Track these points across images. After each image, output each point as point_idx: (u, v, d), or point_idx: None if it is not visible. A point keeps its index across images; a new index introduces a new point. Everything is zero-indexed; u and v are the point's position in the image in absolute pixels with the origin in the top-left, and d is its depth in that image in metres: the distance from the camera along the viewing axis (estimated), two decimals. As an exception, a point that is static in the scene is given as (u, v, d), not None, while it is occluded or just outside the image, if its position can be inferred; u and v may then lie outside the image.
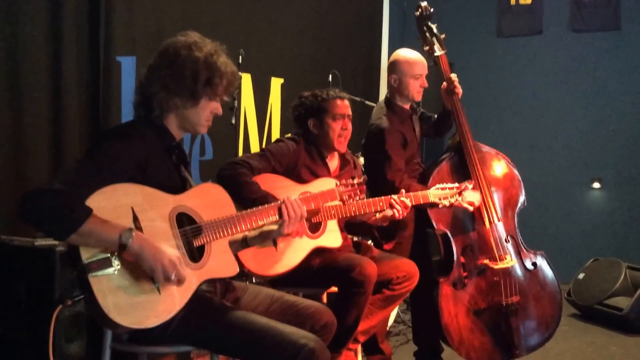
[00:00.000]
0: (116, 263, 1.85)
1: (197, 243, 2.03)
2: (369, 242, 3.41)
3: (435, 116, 3.66)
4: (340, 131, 3.03)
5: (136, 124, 2.06)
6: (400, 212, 2.89)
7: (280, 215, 2.21)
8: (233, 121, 3.63)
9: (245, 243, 2.30)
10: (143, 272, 1.89)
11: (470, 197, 3.06)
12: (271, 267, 2.74)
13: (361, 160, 3.86)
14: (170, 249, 1.92)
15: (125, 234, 1.82)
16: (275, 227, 2.25)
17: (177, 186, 2.08)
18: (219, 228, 2.08)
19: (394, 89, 3.48)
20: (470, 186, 3.06)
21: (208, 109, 2.12)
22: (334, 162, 3.15)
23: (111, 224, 1.82)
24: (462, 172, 3.35)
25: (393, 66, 3.47)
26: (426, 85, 3.46)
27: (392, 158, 3.29)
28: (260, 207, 2.18)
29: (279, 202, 2.23)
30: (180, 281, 1.91)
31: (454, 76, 3.41)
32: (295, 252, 2.81)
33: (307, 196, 2.33)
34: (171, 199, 2.01)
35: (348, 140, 3.07)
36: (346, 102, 3.07)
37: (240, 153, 4.28)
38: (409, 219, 3.35)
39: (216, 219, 2.09)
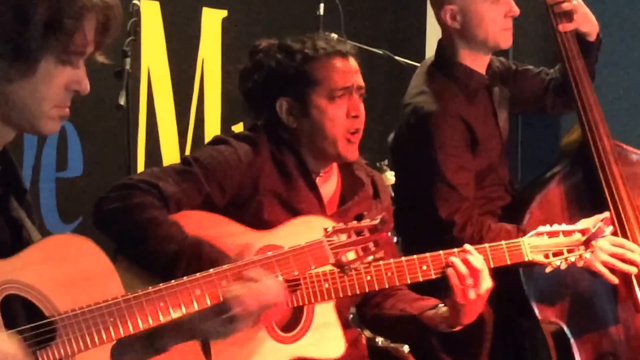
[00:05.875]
0: None
1: (45, 358, 2.02)
2: (404, 349, 3.45)
3: (554, 71, 3.76)
4: (346, 120, 3.02)
5: None
6: (468, 287, 2.87)
7: (224, 304, 2.24)
8: (122, 101, 3.55)
9: (152, 345, 2.29)
10: None
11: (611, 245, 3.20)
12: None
13: (389, 177, 3.93)
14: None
15: None
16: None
17: (1, 241, 2.09)
18: (89, 327, 2.09)
19: (453, 32, 3.52)
20: (608, 230, 3.06)
21: (58, 82, 2.08)
22: (330, 185, 3.16)
23: None
24: (591, 204, 3.40)
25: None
26: (516, 12, 3.49)
27: (447, 174, 3.33)
28: (177, 283, 2.20)
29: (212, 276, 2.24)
30: None
31: None
32: (250, 369, 2.84)
33: (269, 257, 2.38)
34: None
35: (360, 137, 3.08)
36: (353, 63, 3.07)
37: (141, 166, 4.25)
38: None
39: (84, 307, 2.09)
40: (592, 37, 3.59)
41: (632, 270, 3.29)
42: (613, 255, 3.26)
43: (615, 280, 3.21)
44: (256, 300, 2.31)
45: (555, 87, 3.71)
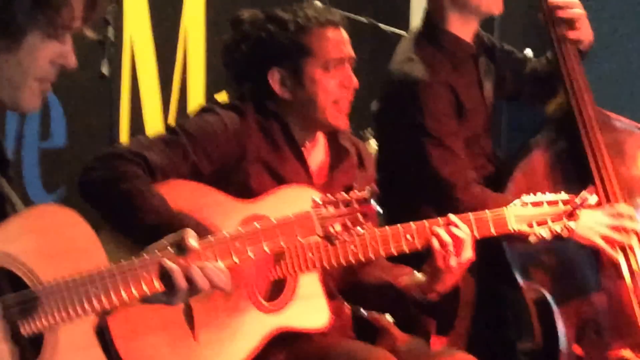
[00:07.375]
0: None
1: (28, 329, 2.04)
2: (388, 318, 3.45)
3: (537, 61, 3.77)
4: (340, 90, 3.04)
5: None
6: (450, 254, 2.89)
7: (167, 284, 2.19)
8: (105, 69, 3.53)
9: None
10: None
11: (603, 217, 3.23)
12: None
13: (373, 145, 3.94)
14: None
15: None
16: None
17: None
18: (72, 298, 2.08)
19: (445, 0, 3.51)
20: (592, 199, 3.07)
21: (44, 56, 2.08)
22: (317, 154, 3.17)
23: None
24: (574, 171, 3.43)
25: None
26: None
27: (443, 138, 3.38)
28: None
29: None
30: None
31: None
32: (235, 340, 2.84)
33: (255, 229, 2.36)
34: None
35: (350, 107, 3.11)
36: (345, 33, 3.09)
37: (124, 136, 4.25)
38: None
39: (67, 278, 2.08)
40: (585, 47, 3.59)
41: (632, 240, 3.33)
42: (611, 227, 3.29)
43: (617, 256, 3.26)
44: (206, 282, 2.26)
45: (537, 77, 3.73)
